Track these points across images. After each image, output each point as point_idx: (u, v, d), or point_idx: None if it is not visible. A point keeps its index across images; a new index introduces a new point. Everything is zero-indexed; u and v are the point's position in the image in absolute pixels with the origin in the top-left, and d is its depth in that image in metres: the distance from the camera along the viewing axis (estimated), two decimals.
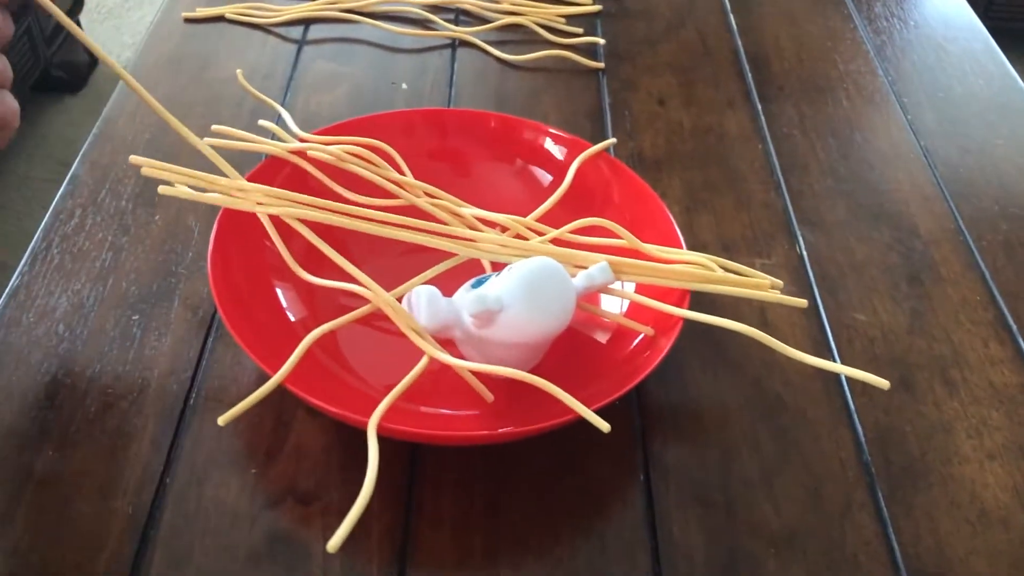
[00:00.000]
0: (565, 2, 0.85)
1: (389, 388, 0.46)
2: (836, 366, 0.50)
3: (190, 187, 0.52)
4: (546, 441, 0.48)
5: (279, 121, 0.64)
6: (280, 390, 0.46)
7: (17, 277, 0.55)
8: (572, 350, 0.52)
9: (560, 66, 0.78)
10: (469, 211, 0.55)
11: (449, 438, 0.48)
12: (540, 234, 0.56)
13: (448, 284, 0.50)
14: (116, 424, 0.48)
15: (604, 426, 0.43)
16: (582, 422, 0.44)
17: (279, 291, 0.53)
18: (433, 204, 0.55)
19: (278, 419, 0.49)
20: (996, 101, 0.78)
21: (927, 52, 0.84)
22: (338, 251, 0.51)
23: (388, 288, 0.51)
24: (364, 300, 0.50)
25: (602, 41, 0.81)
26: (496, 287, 0.47)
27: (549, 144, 0.62)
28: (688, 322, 0.50)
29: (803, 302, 0.54)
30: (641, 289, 0.53)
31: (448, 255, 0.54)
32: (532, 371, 0.46)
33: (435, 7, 0.83)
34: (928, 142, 0.73)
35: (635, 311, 0.53)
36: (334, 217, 0.52)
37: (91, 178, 0.63)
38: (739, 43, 0.83)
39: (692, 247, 0.61)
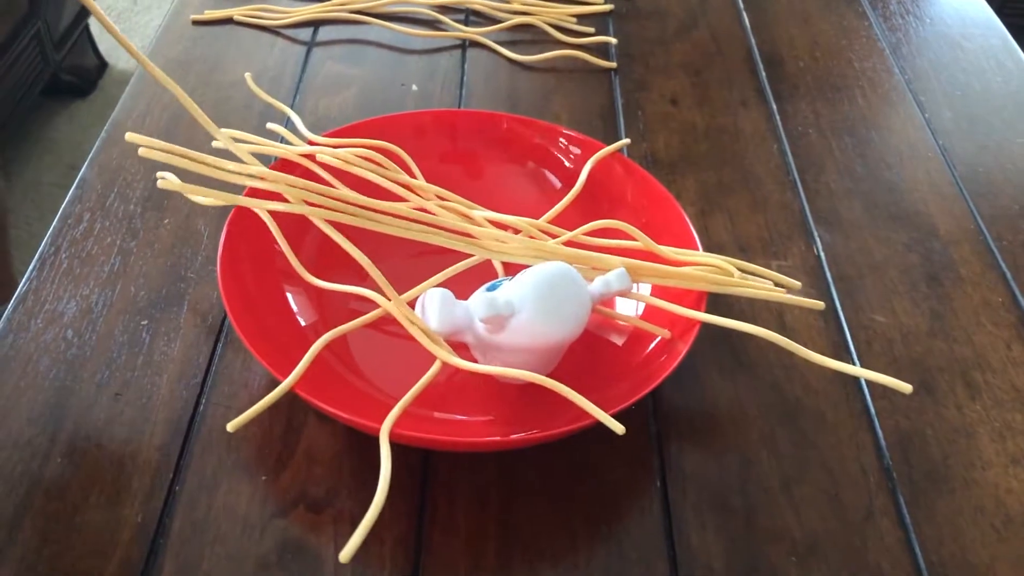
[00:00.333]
0: (576, 1, 0.84)
1: (400, 393, 0.46)
2: (858, 370, 0.49)
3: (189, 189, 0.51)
4: (560, 447, 0.47)
5: (288, 124, 0.64)
6: (290, 395, 0.45)
7: (25, 282, 0.55)
8: (587, 353, 0.51)
9: (571, 66, 0.77)
10: (481, 213, 0.55)
11: (462, 444, 0.47)
12: (554, 236, 0.55)
13: (462, 287, 0.49)
14: (125, 431, 0.48)
15: (619, 428, 0.42)
16: (597, 427, 0.43)
17: (289, 295, 0.52)
18: (444, 207, 0.54)
19: (288, 425, 0.49)
20: (1015, 98, 0.77)
21: (943, 49, 0.83)
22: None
23: (400, 291, 0.50)
24: (375, 304, 0.50)
25: (614, 41, 0.80)
26: (508, 291, 0.46)
27: (562, 145, 0.62)
28: (705, 325, 0.50)
29: (820, 304, 0.53)
30: (657, 291, 0.53)
31: (461, 257, 0.53)
32: (547, 376, 0.45)
33: (445, 8, 0.82)
34: (946, 140, 0.72)
35: (651, 313, 0.52)
36: (352, 218, 0.51)
37: (99, 182, 0.62)
38: (752, 42, 0.82)
39: (708, 249, 0.60)
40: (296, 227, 0.53)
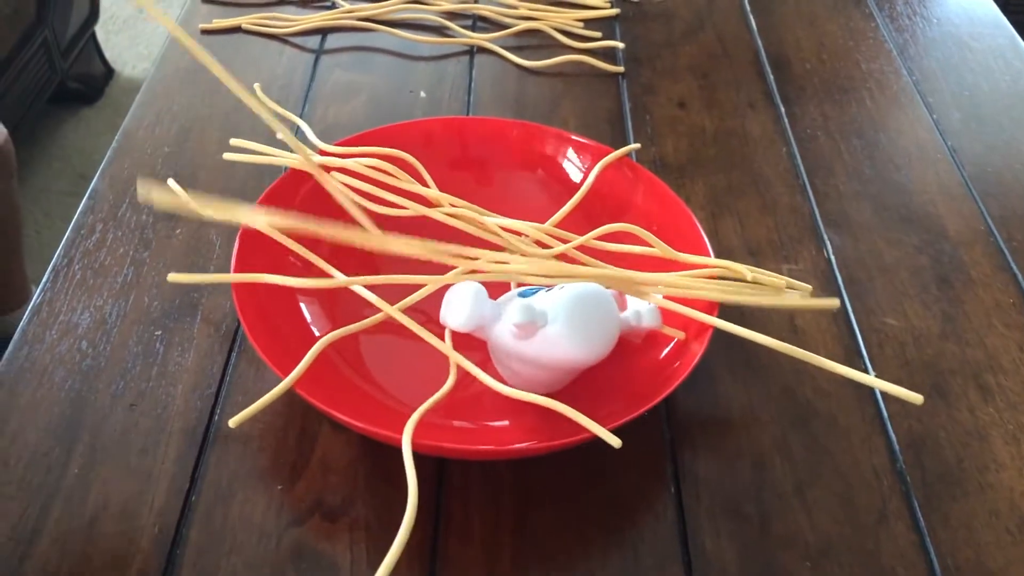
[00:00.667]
0: (583, 6, 0.84)
1: (413, 400, 0.46)
2: (869, 379, 0.49)
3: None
4: (575, 453, 0.47)
5: (298, 133, 0.64)
6: (304, 404, 0.46)
7: (40, 294, 0.55)
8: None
9: (579, 71, 0.77)
10: (492, 220, 0.55)
11: (477, 452, 0.48)
12: (563, 241, 0.55)
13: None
14: (141, 442, 0.48)
15: (615, 442, 0.43)
16: (613, 434, 0.43)
17: (303, 305, 0.52)
18: (451, 215, 0.54)
19: (303, 433, 0.49)
20: (1023, 97, 0.77)
21: (951, 50, 0.83)
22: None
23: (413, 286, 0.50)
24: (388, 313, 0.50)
25: (621, 45, 0.80)
26: (543, 301, 0.46)
27: (571, 151, 0.62)
28: (717, 329, 0.50)
29: (834, 302, 0.53)
30: (670, 295, 0.53)
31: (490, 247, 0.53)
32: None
33: (452, 14, 0.82)
34: (954, 141, 0.72)
35: (665, 316, 0.52)
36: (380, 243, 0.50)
37: (111, 192, 0.63)
38: (759, 44, 0.82)
39: (718, 252, 0.60)
40: (309, 239, 0.53)
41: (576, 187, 0.60)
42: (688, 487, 0.48)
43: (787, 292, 0.52)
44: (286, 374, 0.45)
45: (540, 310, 0.45)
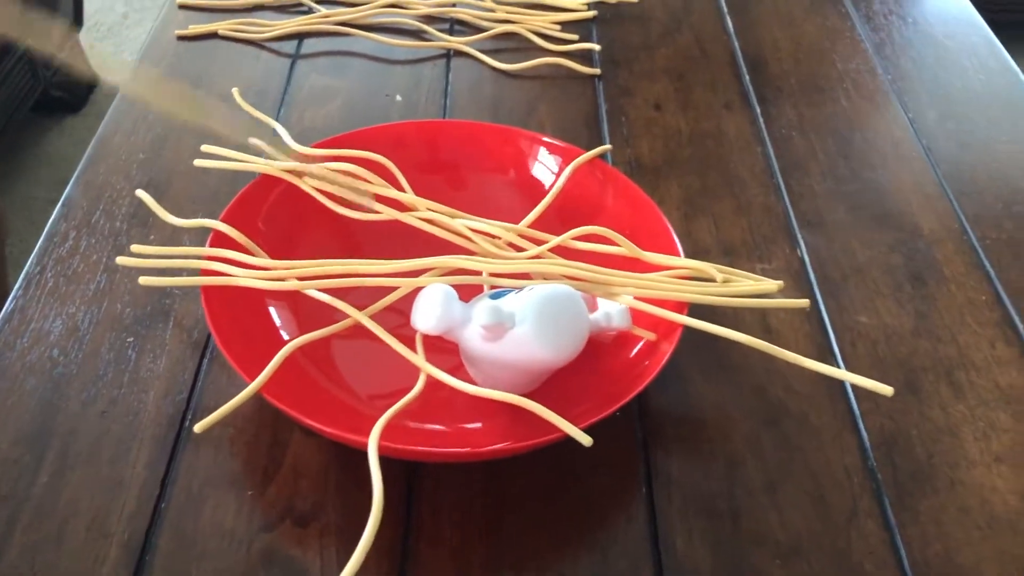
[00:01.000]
0: (559, 8, 0.84)
1: (386, 404, 0.46)
2: (838, 372, 0.49)
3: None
4: (547, 454, 0.47)
5: (275, 137, 0.64)
6: (275, 410, 0.46)
7: (11, 301, 0.55)
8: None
9: (556, 73, 0.78)
10: (463, 222, 0.55)
11: (447, 455, 0.48)
12: (535, 242, 0.55)
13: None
14: (111, 449, 0.48)
15: (586, 440, 0.43)
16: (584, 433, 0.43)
17: (272, 310, 0.52)
18: (423, 219, 0.54)
19: (274, 439, 0.49)
20: (998, 97, 0.77)
21: (927, 49, 0.83)
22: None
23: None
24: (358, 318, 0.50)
25: (597, 47, 0.80)
26: (512, 303, 0.46)
27: (545, 154, 0.62)
28: (688, 328, 0.50)
29: (805, 302, 0.53)
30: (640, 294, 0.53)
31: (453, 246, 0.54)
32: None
33: (429, 18, 0.82)
34: (929, 140, 0.72)
35: (635, 316, 0.52)
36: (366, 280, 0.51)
37: (85, 200, 0.62)
38: (736, 45, 0.82)
39: (692, 253, 0.60)
40: (282, 244, 0.53)
41: (550, 190, 0.60)
42: (660, 487, 0.48)
43: (757, 290, 0.52)
44: (254, 379, 0.45)
45: (508, 311, 0.45)
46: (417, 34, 0.81)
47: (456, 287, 0.48)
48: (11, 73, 1.51)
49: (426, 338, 0.50)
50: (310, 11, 0.82)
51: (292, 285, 0.50)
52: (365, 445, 0.43)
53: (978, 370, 0.55)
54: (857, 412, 0.52)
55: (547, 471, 0.48)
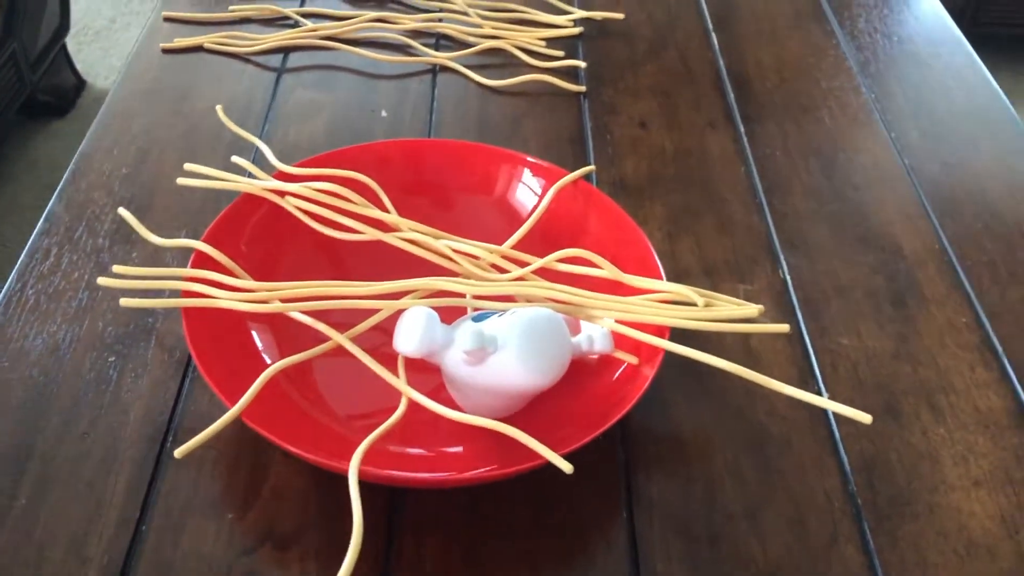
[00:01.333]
0: (546, 25, 0.84)
1: (368, 427, 0.46)
2: (818, 399, 0.49)
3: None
4: (530, 479, 0.47)
5: (257, 154, 0.64)
6: (256, 434, 0.46)
7: None
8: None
9: (541, 90, 0.78)
10: (445, 242, 0.55)
11: (427, 481, 0.48)
12: (519, 264, 0.55)
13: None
14: (91, 470, 0.48)
15: (567, 467, 0.43)
16: (566, 458, 0.43)
17: (254, 333, 0.52)
18: (406, 239, 0.54)
19: (255, 461, 0.49)
20: (980, 117, 0.78)
21: (911, 68, 0.84)
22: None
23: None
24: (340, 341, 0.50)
25: (583, 64, 0.80)
26: (495, 326, 0.46)
27: (528, 175, 0.62)
28: (671, 354, 0.50)
29: (785, 327, 0.53)
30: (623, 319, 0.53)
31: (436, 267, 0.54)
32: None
33: (415, 33, 0.82)
34: (912, 159, 0.73)
35: (617, 340, 0.53)
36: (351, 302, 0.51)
37: (67, 215, 0.62)
38: (721, 63, 0.83)
39: (674, 273, 0.61)
40: (265, 263, 0.53)
41: (534, 211, 0.60)
42: (641, 511, 0.48)
43: (738, 314, 0.52)
44: (235, 403, 0.45)
45: (490, 335, 0.46)
46: (403, 49, 0.81)
47: (438, 309, 0.48)
48: None
49: (408, 358, 0.50)
50: (296, 25, 0.82)
51: (274, 308, 0.50)
52: (346, 471, 0.43)
53: (958, 393, 0.55)
54: (838, 436, 0.52)
55: (529, 494, 0.48)
